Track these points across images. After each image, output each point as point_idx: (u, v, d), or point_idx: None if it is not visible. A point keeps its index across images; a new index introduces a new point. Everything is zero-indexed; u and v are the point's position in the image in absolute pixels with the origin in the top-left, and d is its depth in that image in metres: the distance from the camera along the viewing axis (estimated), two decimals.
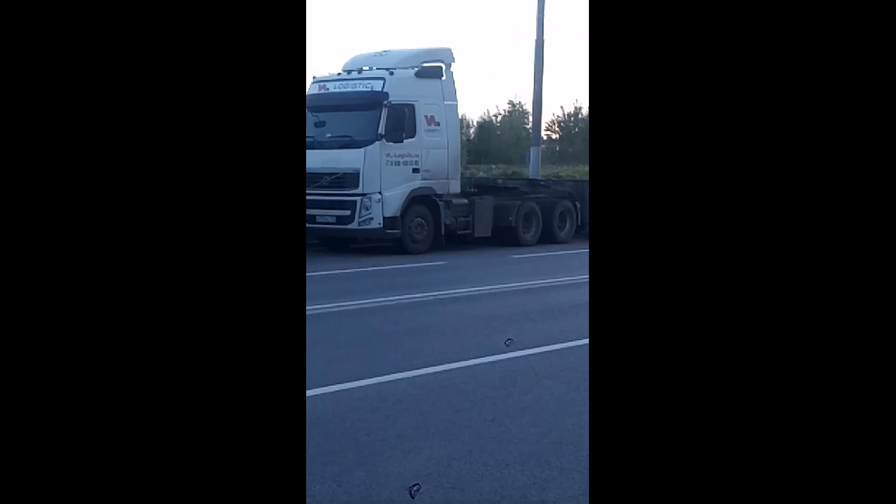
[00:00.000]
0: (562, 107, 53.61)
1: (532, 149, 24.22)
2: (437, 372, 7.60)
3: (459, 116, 20.00)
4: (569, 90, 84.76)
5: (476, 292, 12.70)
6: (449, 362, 7.92)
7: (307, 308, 9.72)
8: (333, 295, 12.04)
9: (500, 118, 47.06)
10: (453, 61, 18.85)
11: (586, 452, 5.13)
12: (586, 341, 8.33)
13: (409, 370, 7.62)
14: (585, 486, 4.81)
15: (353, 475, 5.06)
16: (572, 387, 7.09)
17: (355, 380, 7.22)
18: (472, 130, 40.02)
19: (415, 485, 4.85)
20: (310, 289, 11.29)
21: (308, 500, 4.47)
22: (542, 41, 23.21)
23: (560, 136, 50.02)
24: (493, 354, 8.22)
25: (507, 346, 7.41)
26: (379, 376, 7.34)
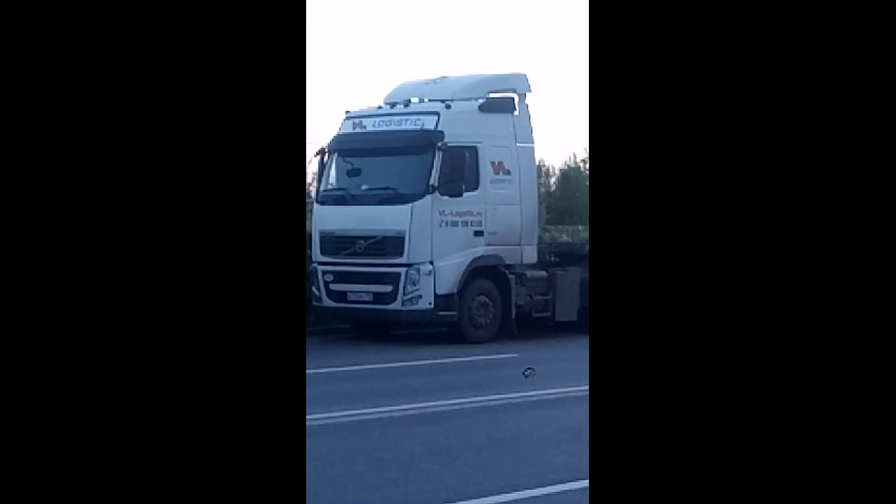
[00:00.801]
0: None
1: None
2: (509, 502, 7.54)
3: (537, 162, 19.88)
4: None
5: (558, 395, 12.30)
6: (525, 488, 7.81)
7: (337, 415, 11.10)
8: (370, 397, 12.01)
9: (587, 163, 46.98)
10: (529, 90, 18.56)
11: None
12: None
13: (471, 498, 7.57)
14: None
15: None
16: None
17: None
18: (553, 181, 39.84)
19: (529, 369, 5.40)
20: (340, 389, 13.52)
21: None
22: None
23: None
24: (578, 479, 7.97)
25: (526, 376, 6.73)
26: None
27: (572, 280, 18.71)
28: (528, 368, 7.38)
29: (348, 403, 11.46)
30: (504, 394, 12.35)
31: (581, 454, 8.85)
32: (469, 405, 11.73)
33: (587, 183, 42.71)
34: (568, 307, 18.56)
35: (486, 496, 7.62)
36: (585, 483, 7.42)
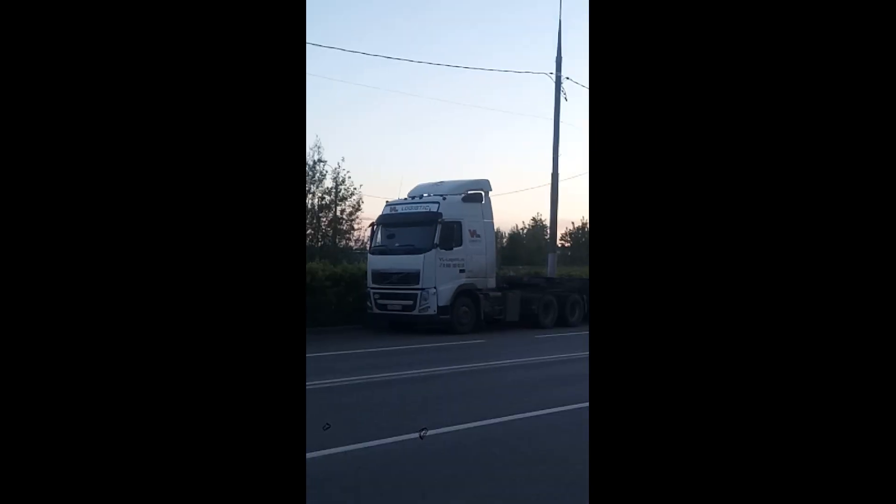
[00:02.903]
0: (573, 222, 53.52)
1: (550, 255, 24.09)
2: (479, 426, 7.40)
3: (495, 230, 19.56)
4: (577, 210, 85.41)
5: (508, 364, 12.15)
6: (488, 418, 7.69)
7: (384, 375, 10.68)
8: (402, 366, 11.56)
9: (525, 231, 47.02)
10: (490, 189, 18.55)
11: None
12: None
13: (458, 424, 7.40)
14: None
15: (467, 491, 5.04)
16: (584, 438, 6.69)
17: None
18: (504, 240, 39.51)
19: (423, 429, 4.41)
20: (383, 360, 12.43)
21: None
22: (557, 174, 23.36)
23: (570, 244, 49.86)
24: (522, 412, 7.99)
25: (421, 437, 5.63)
26: (437, 429, 7.16)
27: (516, 298, 18.60)
28: (423, 429, 6.31)
29: (389, 369, 11.09)
30: (476, 363, 12.05)
31: (521, 398, 8.75)
32: (456, 370, 11.36)
33: (525, 242, 42.88)
34: (514, 313, 18.45)
35: (466, 423, 7.42)
36: (524, 414, 7.75)
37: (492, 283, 18.28)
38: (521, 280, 20.77)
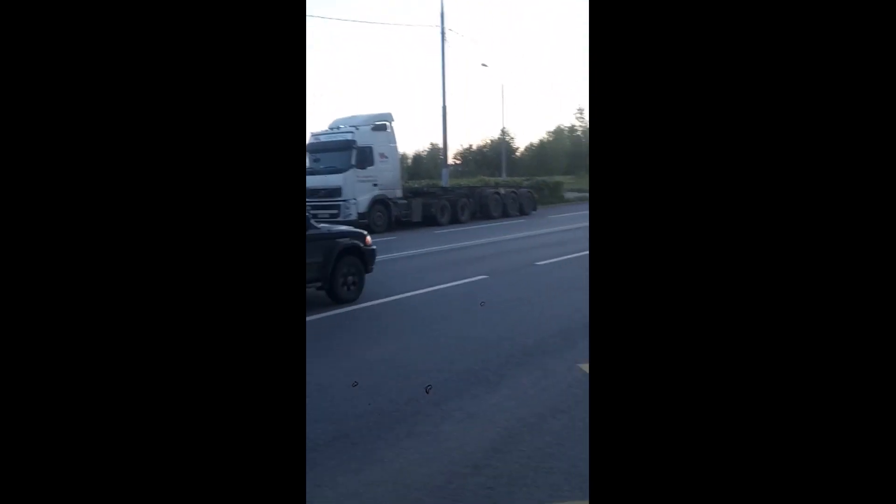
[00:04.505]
0: (461, 144, 53.79)
1: (444, 170, 24.25)
2: (403, 297, 7.38)
3: (401, 152, 19.36)
4: (463, 135, 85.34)
5: (413, 254, 12.08)
6: (398, 294, 7.64)
7: None
8: None
9: (426, 153, 47.06)
10: (393, 120, 18.18)
11: (490, 333, 5.29)
12: (479, 278, 8.58)
13: (386, 297, 7.40)
14: (504, 351, 4.80)
15: (389, 343, 4.97)
16: (470, 301, 6.99)
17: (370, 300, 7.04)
18: (409, 160, 39.65)
19: (428, 385, 4.15)
20: None
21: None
22: (445, 107, 23.33)
23: (460, 161, 50.19)
24: (426, 288, 7.98)
25: (427, 392, 4.56)
26: (373, 300, 7.12)
27: (418, 203, 18.54)
28: (428, 386, 4.97)
29: None
30: (389, 254, 11.68)
31: (424, 278, 8.55)
32: (377, 260, 11.06)
33: (424, 161, 42.80)
34: (417, 215, 18.40)
35: (390, 296, 7.33)
36: (427, 289, 7.74)
37: (399, 193, 18.13)
38: (423, 190, 20.68)
